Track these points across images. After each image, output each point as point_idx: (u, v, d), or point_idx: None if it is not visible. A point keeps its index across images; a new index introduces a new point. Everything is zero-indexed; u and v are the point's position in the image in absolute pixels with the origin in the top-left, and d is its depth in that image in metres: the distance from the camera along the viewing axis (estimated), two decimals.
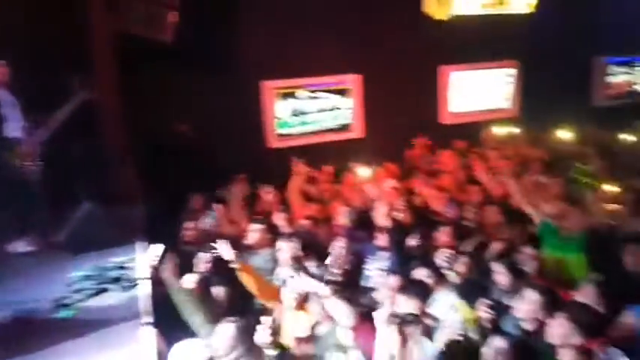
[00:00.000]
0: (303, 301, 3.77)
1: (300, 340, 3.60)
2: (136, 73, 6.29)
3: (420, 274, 3.95)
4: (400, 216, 5.42)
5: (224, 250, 3.94)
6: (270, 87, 7.90)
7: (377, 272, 4.40)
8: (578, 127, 8.40)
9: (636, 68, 11.03)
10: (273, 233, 4.97)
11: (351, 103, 8.45)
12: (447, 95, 9.23)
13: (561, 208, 4.87)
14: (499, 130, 8.74)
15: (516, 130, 8.92)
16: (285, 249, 4.42)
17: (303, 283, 3.65)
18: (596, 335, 2.95)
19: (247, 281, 3.98)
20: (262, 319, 3.23)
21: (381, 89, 8.33)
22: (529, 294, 3.35)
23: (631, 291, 3.56)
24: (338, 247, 4.52)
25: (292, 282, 3.74)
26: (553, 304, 3.30)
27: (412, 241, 4.74)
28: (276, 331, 3.39)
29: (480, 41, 8.81)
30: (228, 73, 7.20)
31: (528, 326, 3.31)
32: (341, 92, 8.39)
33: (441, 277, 4.05)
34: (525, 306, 3.32)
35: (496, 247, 4.57)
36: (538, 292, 3.32)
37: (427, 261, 4.31)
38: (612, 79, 10.75)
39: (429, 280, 3.93)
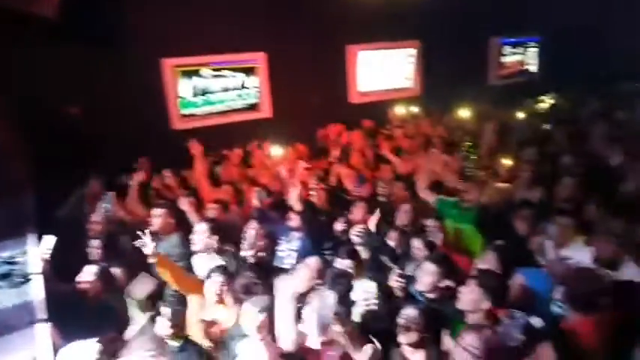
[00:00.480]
0: (224, 294, 3.66)
1: (211, 329, 3.46)
2: (16, 52, 5.67)
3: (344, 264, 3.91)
4: (313, 196, 5.40)
5: (145, 243, 3.66)
6: (170, 65, 7.46)
7: (288, 253, 4.33)
8: (476, 105, 8.82)
9: (528, 49, 11.85)
10: (177, 218, 4.73)
11: (258, 82, 8.25)
12: (356, 74, 9.31)
13: (459, 183, 5.10)
14: (403, 109, 8.97)
15: (418, 109, 9.21)
16: (201, 234, 4.25)
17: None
18: (501, 299, 3.09)
19: (164, 273, 3.78)
20: (161, 310, 3.08)
21: (288, 68, 8.20)
22: (427, 266, 3.48)
23: (523, 255, 3.79)
24: (250, 230, 4.37)
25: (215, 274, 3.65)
26: (451, 272, 3.45)
27: (338, 226, 4.70)
28: (177, 323, 3.26)
29: (384, 21, 8.95)
30: (124, 51, 6.66)
31: (431, 295, 3.44)
32: (247, 71, 8.15)
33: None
34: (425, 277, 3.44)
35: (402, 218, 4.66)
36: (435, 263, 3.46)
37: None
38: (506, 60, 11.47)
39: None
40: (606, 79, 11.26)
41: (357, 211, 4.97)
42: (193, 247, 4.31)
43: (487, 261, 3.57)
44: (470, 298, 3.07)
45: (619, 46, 12.07)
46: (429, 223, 4.54)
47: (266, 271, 4.08)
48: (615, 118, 7.98)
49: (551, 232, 3.99)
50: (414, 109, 9.22)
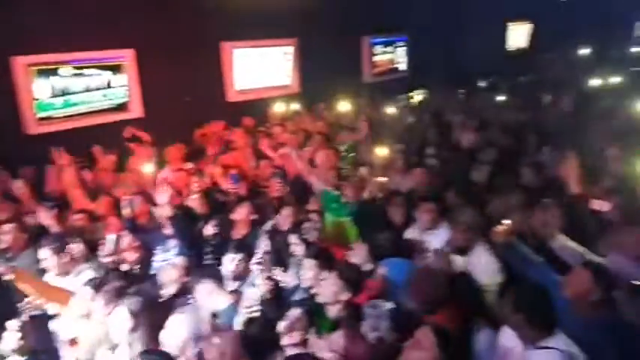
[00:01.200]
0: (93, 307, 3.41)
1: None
2: None
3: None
4: (189, 200, 5.17)
5: None
6: (23, 63, 6.69)
7: (163, 263, 4.09)
8: (352, 101, 9.10)
9: (397, 48, 12.48)
10: (30, 231, 4.30)
11: (126, 80, 7.71)
12: (232, 72, 9.12)
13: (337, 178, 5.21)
14: (282, 107, 8.97)
15: (298, 106, 9.28)
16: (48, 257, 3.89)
17: None
18: (360, 289, 3.19)
19: (26, 288, 3.52)
20: (8, 324, 2.79)
21: (160, 65, 7.78)
22: (306, 262, 3.52)
23: (397, 245, 3.91)
24: (110, 240, 4.09)
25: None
26: (329, 264, 3.48)
27: (208, 230, 4.50)
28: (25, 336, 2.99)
29: (260, 18, 8.89)
30: None
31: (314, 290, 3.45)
32: (114, 68, 7.59)
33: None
34: (306, 273, 3.47)
35: (285, 217, 4.64)
36: (313, 257, 3.51)
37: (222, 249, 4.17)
38: (378, 58, 11.99)
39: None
40: (465, 76, 12.32)
41: (240, 211, 4.83)
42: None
43: (358, 252, 3.64)
44: (329, 290, 3.13)
45: (474, 47, 13.29)
46: (312, 217, 4.56)
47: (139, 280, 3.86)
48: (472, 110, 8.73)
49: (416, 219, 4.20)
50: (294, 106, 9.26)
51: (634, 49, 18.18)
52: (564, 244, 3.43)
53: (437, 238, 3.97)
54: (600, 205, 4.17)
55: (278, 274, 3.79)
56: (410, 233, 4.27)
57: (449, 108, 9.12)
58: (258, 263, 3.70)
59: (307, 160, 5.98)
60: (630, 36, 20.36)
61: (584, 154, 5.38)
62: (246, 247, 4.08)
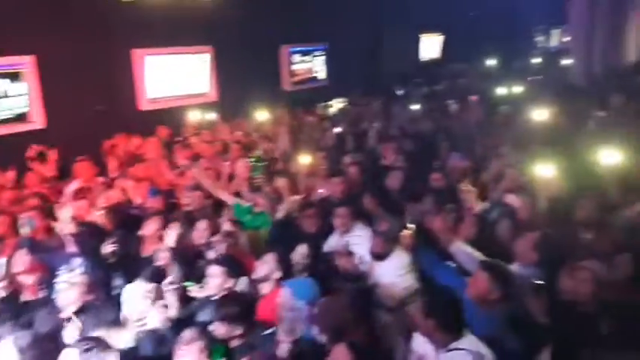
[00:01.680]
0: None
1: None
2: None
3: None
4: (96, 216, 4.87)
5: None
6: None
7: (65, 284, 3.80)
8: (271, 110, 9.06)
9: (315, 57, 12.59)
10: None
11: (27, 89, 7.19)
12: (144, 80, 8.77)
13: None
14: (199, 116, 8.75)
15: (215, 115, 9.09)
16: None
17: None
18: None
19: None
20: None
21: (64, 72, 7.35)
22: (212, 269, 3.49)
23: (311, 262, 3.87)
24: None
25: None
26: (237, 272, 3.52)
27: (108, 248, 4.25)
28: None
29: (174, 25, 8.65)
30: None
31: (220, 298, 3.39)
32: (12, 76, 7.05)
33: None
34: (212, 280, 3.44)
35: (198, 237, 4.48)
36: (219, 264, 3.50)
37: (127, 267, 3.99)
38: (297, 67, 12.04)
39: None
40: (383, 84, 12.70)
41: (150, 226, 4.61)
42: None
43: (267, 262, 3.60)
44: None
45: (391, 57, 13.74)
46: (226, 226, 4.46)
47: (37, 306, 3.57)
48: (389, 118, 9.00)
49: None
50: (211, 115, 9.06)
51: (534, 60, 19.62)
52: (462, 249, 3.55)
53: (355, 240, 4.07)
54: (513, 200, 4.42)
55: (193, 290, 3.66)
56: (331, 241, 4.31)
57: (367, 116, 9.32)
58: (171, 283, 3.52)
59: (226, 172, 5.89)
60: (531, 47, 21.99)
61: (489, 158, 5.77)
62: (156, 275, 3.89)
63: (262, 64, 10.64)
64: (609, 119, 7.04)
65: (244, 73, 9.65)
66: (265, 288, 3.54)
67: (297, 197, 5.08)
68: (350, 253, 3.87)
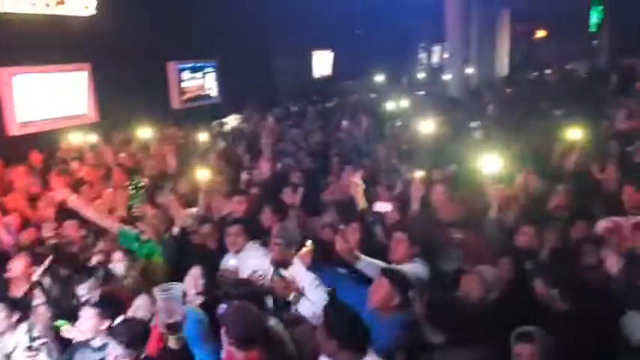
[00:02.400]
0: None
1: None
2: None
3: None
4: None
5: None
6: None
7: None
8: (159, 129, 8.63)
9: (206, 74, 12.29)
10: None
11: None
12: (13, 102, 7.94)
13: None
14: (79, 138, 8.07)
15: (96, 137, 8.44)
16: None
17: None
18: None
19: None
20: None
21: None
22: (84, 311, 3.24)
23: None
24: None
25: None
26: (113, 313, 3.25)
27: None
28: None
29: (46, 41, 7.97)
30: None
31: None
32: None
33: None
34: (85, 323, 3.19)
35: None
36: (94, 307, 3.24)
37: None
38: (187, 84, 11.66)
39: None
40: (278, 101, 12.72)
41: (16, 267, 4.10)
42: None
43: (141, 305, 3.40)
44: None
45: (285, 73, 13.83)
46: (115, 256, 4.14)
47: None
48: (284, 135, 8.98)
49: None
50: (92, 137, 8.39)
51: (419, 75, 20.89)
52: (367, 262, 3.51)
53: (246, 261, 3.94)
54: (384, 207, 4.55)
55: (66, 330, 3.30)
56: (226, 260, 4.16)
57: (262, 133, 9.21)
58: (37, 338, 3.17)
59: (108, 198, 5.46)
60: (417, 64, 23.41)
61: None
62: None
63: (148, 81, 10.15)
64: (486, 129, 7.57)
65: (128, 92, 9.11)
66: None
67: (191, 210, 4.83)
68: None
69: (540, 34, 20.88)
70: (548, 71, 18.20)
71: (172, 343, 2.52)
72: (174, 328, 2.48)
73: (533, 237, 3.90)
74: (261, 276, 3.82)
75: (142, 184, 4.59)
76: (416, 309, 3.07)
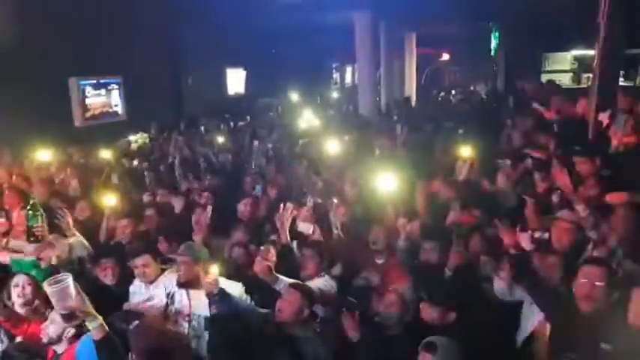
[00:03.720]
0: None
1: None
2: None
3: None
4: None
5: None
6: None
7: None
8: (59, 149, 8.07)
9: (111, 90, 11.66)
10: None
11: None
12: None
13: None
14: None
15: None
16: None
17: None
18: None
19: None
20: None
21: None
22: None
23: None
24: None
25: None
26: None
27: None
28: None
29: None
30: None
31: None
32: None
33: None
34: None
35: None
36: None
37: None
38: (90, 101, 11.02)
39: None
40: (190, 119, 12.39)
41: None
42: None
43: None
44: None
45: (198, 91, 13.53)
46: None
47: None
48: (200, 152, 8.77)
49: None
50: None
51: (333, 95, 21.31)
52: (285, 282, 3.48)
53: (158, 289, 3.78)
54: (306, 227, 4.57)
55: None
56: (133, 287, 3.99)
57: (171, 151, 8.92)
58: None
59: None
60: (331, 83, 23.92)
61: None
62: None
63: (47, 98, 9.49)
64: (394, 148, 7.82)
65: (24, 109, 8.47)
66: (59, 348, 3.06)
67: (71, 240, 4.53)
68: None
69: (445, 57, 22.13)
70: (453, 92, 19.36)
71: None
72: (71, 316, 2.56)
73: (436, 253, 4.07)
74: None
75: (37, 206, 4.25)
76: (344, 324, 3.18)
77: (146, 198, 6.20)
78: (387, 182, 4.67)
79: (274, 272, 3.47)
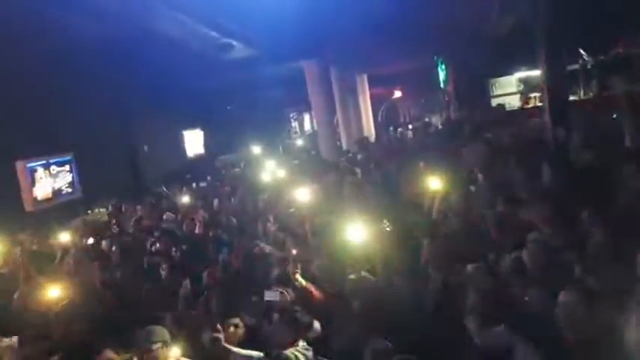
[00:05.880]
0: None
1: None
2: None
3: None
4: None
5: None
6: None
7: None
8: (8, 236, 7.60)
9: (61, 169, 11.16)
10: None
11: None
12: None
13: None
14: None
15: None
16: None
17: None
18: None
19: None
20: None
21: None
22: None
23: None
24: None
25: None
26: None
27: None
28: None
29: None
30: None
31: None
32: None
33: None
34: None
35: None
36: None
37: None
38: (41, 183, 10.53)
39: None
40: (149, 185, 12.05)
41: None
42: None
43: None
44: None
45: (156, 156, 13.24)
46: None
47: None
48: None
49: None
50: None
51: (297, 143, 21.28)
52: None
53: None
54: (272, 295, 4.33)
55: None
56: None
57: (132, 223, 8.57)
58: None
59: None
60: (292, 132, 23.99)
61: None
62: None
63: None
64: (360, 188, 7.68)
65: None
66: None
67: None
68: None
69: (397, 94, 22.57)
70: (410, 126, 19.58)
71: None
72: None
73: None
74: None
75: None
76: None
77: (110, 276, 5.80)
78: (352, 231, 4.48)
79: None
